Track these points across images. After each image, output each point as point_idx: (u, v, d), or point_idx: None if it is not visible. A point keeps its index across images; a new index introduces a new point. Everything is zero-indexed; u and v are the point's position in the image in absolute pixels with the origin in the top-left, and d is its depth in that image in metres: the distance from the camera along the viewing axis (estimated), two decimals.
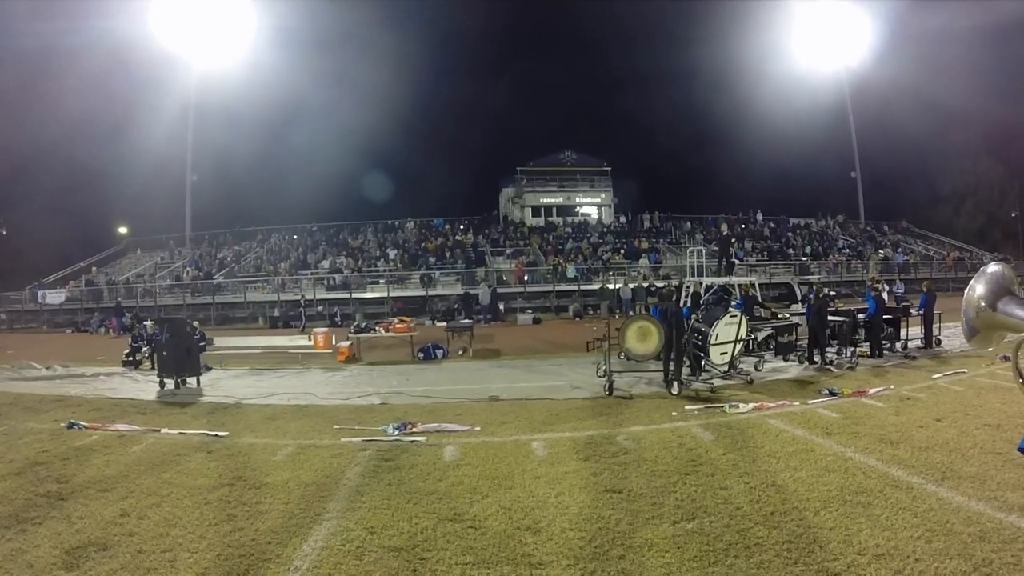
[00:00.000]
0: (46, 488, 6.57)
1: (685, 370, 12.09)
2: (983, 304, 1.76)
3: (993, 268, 1.81)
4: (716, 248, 24.28)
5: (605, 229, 46.34)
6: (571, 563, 4.67)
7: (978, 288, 1.78)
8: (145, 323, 18.07)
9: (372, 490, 6.39)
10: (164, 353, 13.20)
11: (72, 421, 9.67)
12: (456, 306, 29.96)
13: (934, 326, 15.91)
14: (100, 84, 40.23)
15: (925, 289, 16.34)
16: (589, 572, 4.52)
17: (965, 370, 12.13)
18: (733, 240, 36.73)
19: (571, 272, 35.04)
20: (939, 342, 15.82)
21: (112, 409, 11.05)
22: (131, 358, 16.50)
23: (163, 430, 9.21)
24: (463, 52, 72.30)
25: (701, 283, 18.71)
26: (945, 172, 57.16)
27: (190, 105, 46.50)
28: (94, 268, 39.88)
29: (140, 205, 47.50)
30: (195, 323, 16.13)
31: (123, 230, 49.38)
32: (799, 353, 14.58)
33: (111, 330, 29.23)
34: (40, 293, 35.33)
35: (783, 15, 50.09)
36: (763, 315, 17.00)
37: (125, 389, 13.30)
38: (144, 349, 16.46)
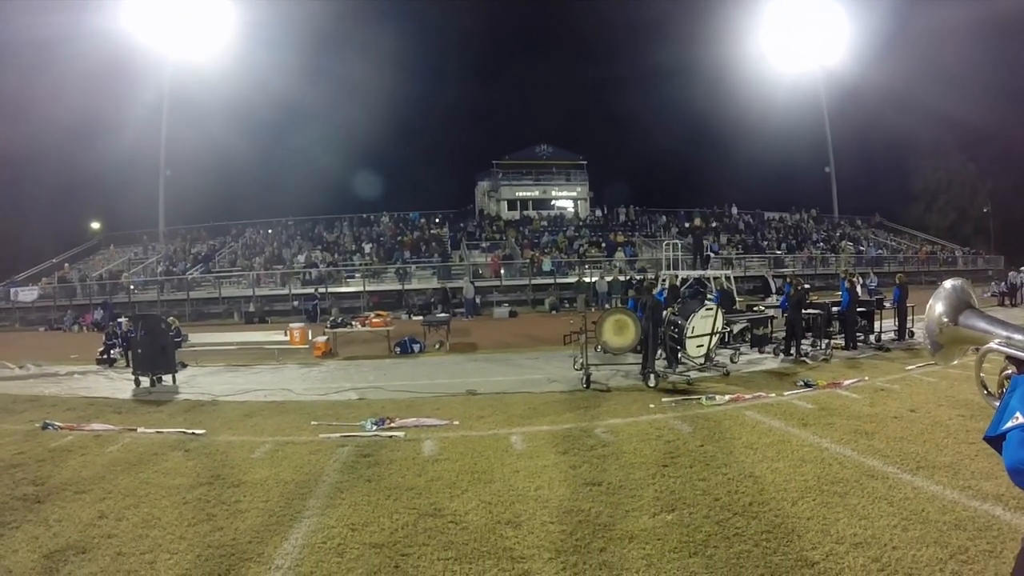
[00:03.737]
0: (22, 491, 6.46)
1: (662, 363, 12.17)
2: (945, 320, 1.79)
3: (951, 284, 1.84)
4: (691, 241, 24.45)
5: (581, 223, 46.44)
6: (552, 556, 4.69)
7: (938, 305, 1.81)
8: (119, 320, 17.86)
9: (352, 486, 6.37)
10: (139, 351, 13.05)
11: (47, 421, 9.53)
12: (432, 300, 29.87)
13: (907, 319, 16.16)
14: (72, 78, 39.47)
15: (898, 283, 16.58)
16: (570, 565, 4.54)
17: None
18: (707, 234, 37.04)
19: (547, 266, 35.09)
20: (912, 334, 16.06)
21: (87, 408, 10.91)
22: (105, 356, 16.31)
23: (139, 429, 9.10)
24: (440, 47, 72.09)
25: (677, 276, 18.85)
26: (917, 168, 58.05)
27: (164, 99, 45.88)
28: (67, 265, 39.20)
29: (113, 200, 47.03)
30: (171, 319, 15.93)
31: (96, 225, 48.62)
32: (775, 345, 14.73)
33: (84, 327, 28.84)
34: (12, 291, 34.67)
35: (759, 13, 50.43)
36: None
37: (100, 388, 13.14)
38: (117, 349, 16.28)
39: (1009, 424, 1.50)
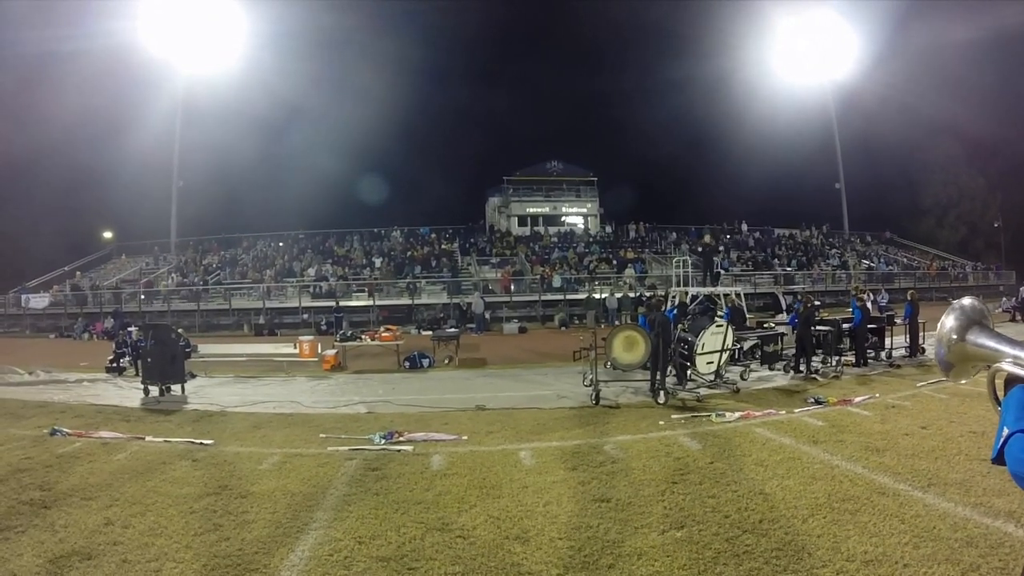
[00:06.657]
0: (29, 496, 6.48)
1: (671, 379, 12.12)
2: (954, 337, 1.77)
3: (963, 301, 1.82)
4: (701, 259, 24.43)
5: (591, 239, 46.37)
6: (560, 572, 4.66)
7: (948, 322, 1.79)
8: (129, 329, 17.93)
9: (359, 499, 6.34)
10: (149, 360, 13.09)
11: (55, 428, 9.56)
12: (442, 315, 29.86)
13: (919, 335, 16.04)
14: (86, 88, 39.91)
15: (910, 299, 16.48)
16: None
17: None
18: (719, 250, 36.99)
19: (557, 281, 35.03)
20: (923, 351, 15.93)
21: (96, 416, 10.94)
22: (115, 364, 16.36)
23: (148, 438, 9.12)
24: (451, 62, 72.47)
25: (687, 293, 18.79)
26: (928, 183, 57.96)
27: (177, 110, 46.21)
28: (78, 273, 39.45)
29: (125, 210, 47.24)
30: (180, 331, 15.99)
31: (108, 235, 49.02)
32: (785, 362, 14.64)
33: (95, 335, 28.96)
34: (24, 297, 34.96)
35: (769, 28, 50.50)
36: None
37: (109, 396, 13.18)
38: (127, 358, 16.33)
39: (1000, 442, 1.50)
